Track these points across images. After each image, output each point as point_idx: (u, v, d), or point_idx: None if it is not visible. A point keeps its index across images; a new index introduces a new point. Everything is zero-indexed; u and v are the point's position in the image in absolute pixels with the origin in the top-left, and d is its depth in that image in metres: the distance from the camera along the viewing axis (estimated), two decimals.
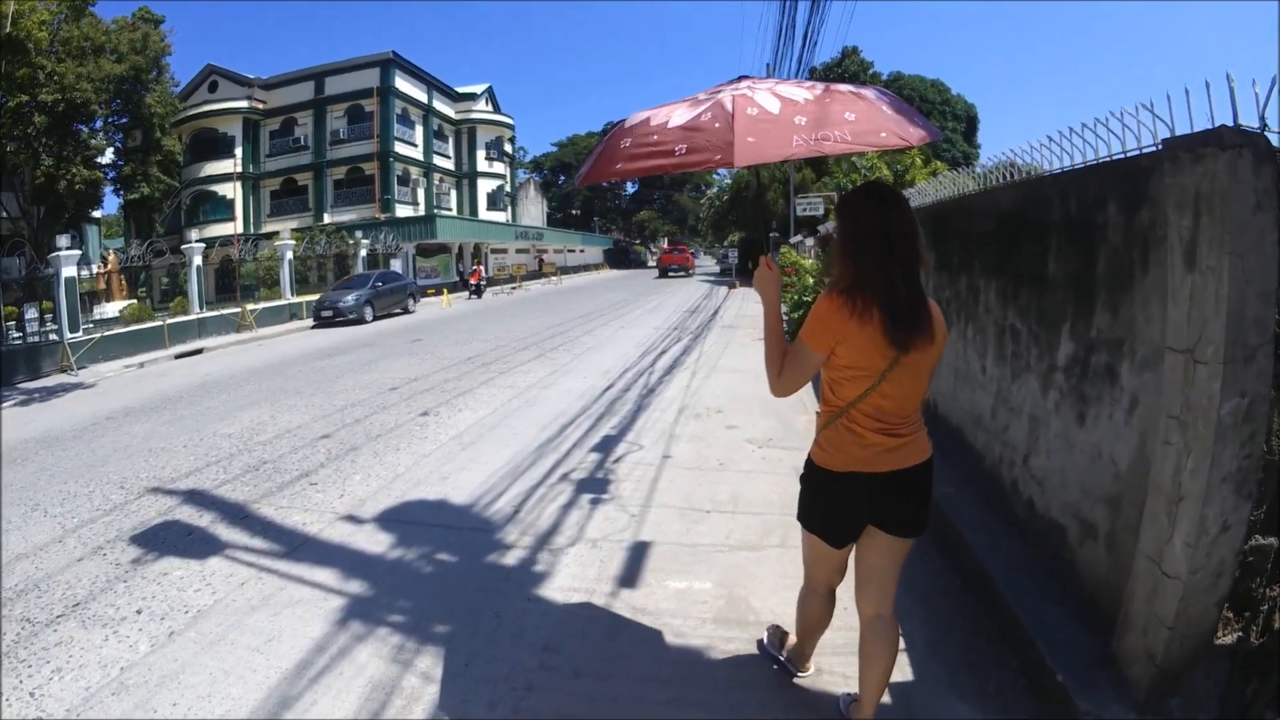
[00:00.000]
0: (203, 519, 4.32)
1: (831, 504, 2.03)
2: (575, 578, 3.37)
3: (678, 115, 1.95)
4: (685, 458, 5.18)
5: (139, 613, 3.17)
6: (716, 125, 1.84)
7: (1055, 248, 2.97)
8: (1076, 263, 2.80)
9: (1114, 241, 2.43)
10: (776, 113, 1.84)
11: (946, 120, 41.81)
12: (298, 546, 3.82)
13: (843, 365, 1.86)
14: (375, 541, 3.86)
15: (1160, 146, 2.06)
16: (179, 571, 3.58)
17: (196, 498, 4.71)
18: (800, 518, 2.14)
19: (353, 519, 4.19)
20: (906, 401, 1.90)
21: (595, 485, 4.71)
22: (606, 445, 5.63)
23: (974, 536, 3.32)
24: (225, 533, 4.08)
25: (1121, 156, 2.43)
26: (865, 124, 1.82)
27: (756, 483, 4.58)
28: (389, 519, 4.19)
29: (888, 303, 1.78)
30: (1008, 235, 3.55)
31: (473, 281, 27.32)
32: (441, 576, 3.45)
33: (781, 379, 1.93)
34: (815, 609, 2.28)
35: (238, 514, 4.37)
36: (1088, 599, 2.68)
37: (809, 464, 2.07)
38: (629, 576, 3.37)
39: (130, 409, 8.17)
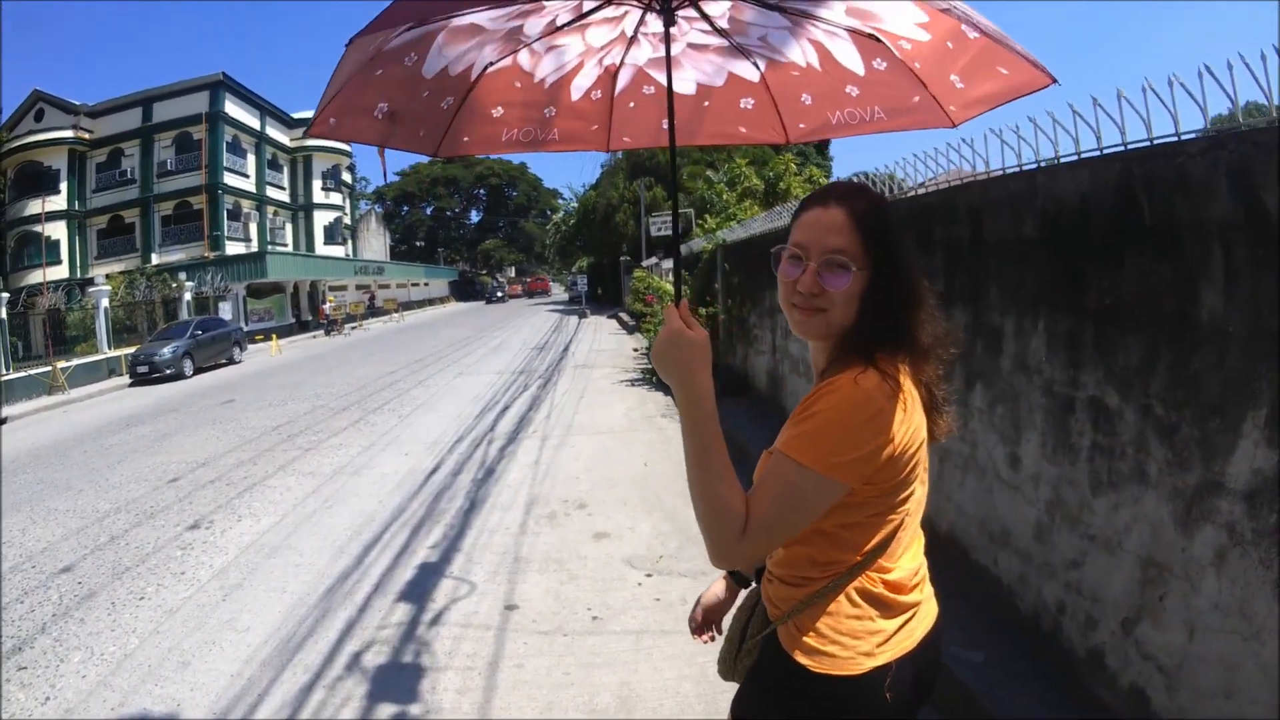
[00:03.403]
0: None
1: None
2: None
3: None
4: (538, 609, 3.44)
5: None
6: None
7: (1223, 268, 1.67)
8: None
9: None
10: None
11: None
12: None
13: (872, 497, 1.01)
14: None
15: None
16: None
17: None
18: None
19: None
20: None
21: (398, 682, 2.88)
22: (423, 585, 3.78)
23: None
24: None
25: None
26: None
27: (654, 658, 2.94)
28: None
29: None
30: (1077, 245, 2.24)
31: (321, 320, 24.63)
32: None
33: (754, 537, 0.97)
34: None
35: None
36: None
37: (799, 677, 1.05)
38: None
39: None
